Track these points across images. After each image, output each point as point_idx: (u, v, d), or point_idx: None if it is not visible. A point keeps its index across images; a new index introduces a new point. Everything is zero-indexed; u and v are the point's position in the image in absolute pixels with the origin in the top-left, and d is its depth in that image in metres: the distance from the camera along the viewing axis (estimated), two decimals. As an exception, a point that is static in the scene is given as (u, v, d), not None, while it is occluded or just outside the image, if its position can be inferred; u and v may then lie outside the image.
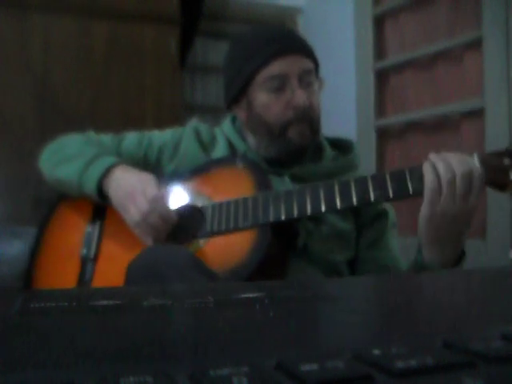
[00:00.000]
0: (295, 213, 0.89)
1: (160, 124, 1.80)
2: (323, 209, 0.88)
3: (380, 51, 2.24)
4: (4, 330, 0.29)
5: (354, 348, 0.22)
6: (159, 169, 1.06)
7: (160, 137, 1.09)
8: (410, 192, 0.83)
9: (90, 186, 1.00)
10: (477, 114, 1.83)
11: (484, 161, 0.83)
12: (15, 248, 1.22)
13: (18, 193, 1.78)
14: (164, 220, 0.94)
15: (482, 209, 1.73)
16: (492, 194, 1.68)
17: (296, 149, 1.00)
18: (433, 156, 0.83)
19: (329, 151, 1.06)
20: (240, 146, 1.05)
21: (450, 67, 1.96)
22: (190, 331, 0.29)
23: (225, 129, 1.09)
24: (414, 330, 0.30)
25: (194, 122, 1.16)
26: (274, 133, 0.99)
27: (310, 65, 1.00)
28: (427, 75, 2.05)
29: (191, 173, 1.03)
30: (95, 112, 1.96)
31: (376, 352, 0.21)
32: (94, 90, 1.96)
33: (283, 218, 0.89)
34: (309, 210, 0.88)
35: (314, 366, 0.20)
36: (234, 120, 1.10)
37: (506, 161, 0.82)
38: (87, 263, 1.02)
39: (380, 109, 2.23)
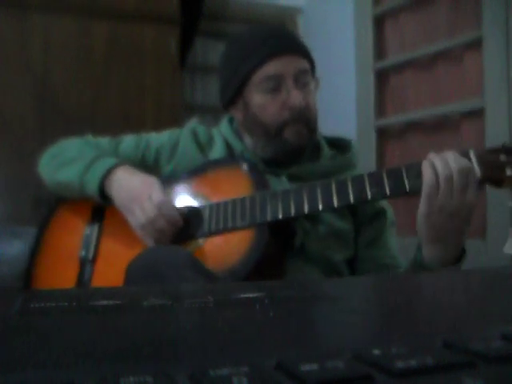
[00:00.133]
0: (292, 211, 0.89)
1: (160, 124, 1.81)
2: (320, 207, 0.88)
3: (380, 51, 2.24)
4: (4, 330, 0.29)
5: (354, 348, 0.22)
6: (157, 170, 1.06)
7: (157, 138, 1.09)
8: (407, 189, 0.83)
9: (91, 187, 1.00)
10: (477, 113, 1.83)
11: (480, 157, 0.83)
12: (15, 248, 1.22)
13: (18, 193, 1.78)
14: (171, 224, 0.95)
15: (482, 209, 1.73)
16: (492, 194, 1.68)
17: (293, 149, 1.00)
18: (431, 155, 0.84)
19: (327, 150, 1.06)
20: (237, 146, 1.05)
21: (450, 67, 1.96)
22: (189, 331, 0.29)
23: (222, 129, 1.09)
24: (414, 329, 0.30)
25: (191, 124, 1.16)
26: (270, 133, 0.99)
27: (305, 65, 1.00)
28: (427, 75, 2.05)
29: (189, 174, 1.03)
30: (95, 112, 1.96)
31: (376, 352, 0.21)
32: (93, 90, 1.97)
33: (280, 216, 0.89)
34: (306, 209, 0.88)
35: (314, 366, 0.20)
36: (231, 120, 1.10)
37: (503, 157, 0.83)
38: (86, 264, 1.02)
39: (380, 109, 2.23)
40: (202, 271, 0.82)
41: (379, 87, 2.23)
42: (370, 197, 0.85)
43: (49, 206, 1.13)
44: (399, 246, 1.05)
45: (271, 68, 0.97)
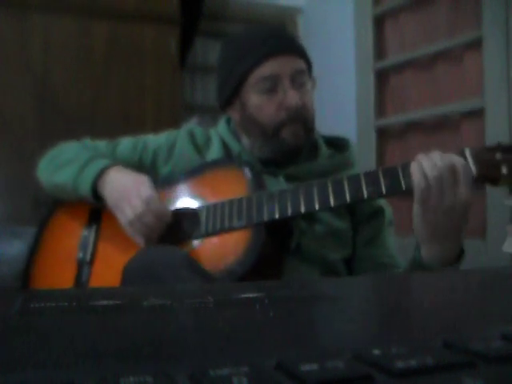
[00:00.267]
0: (289, 211, 0.89)
1: (160, 124, 1.81)
2: (317, 207, 0.88)
3: (380, 51, 2.25)
4: (4, 330, 0.29)
5: (354, 348, 0.22)
6: (154, 172, 1.06)
7: (154, 140, 1.10)
8: (403, 188, 0.84)
9: (84, 188, 1.00)
10: (477, 113, 1.83)
11: (476, 156, 0.83)
12: (15, 248, 1.22)
13: (18, 193, 1.78)
14: (159, 219, 0.95)
15: (482, 209, 1.73)
16: (491, 194, 1.68)
17: (290, 149, 1.00)
18: (419, 156, 0.84)
19: (324, 150, 1.07)
20: (234, 146, 1.05)
21: (450, 67, 1.96)
22: (189, 331, 0.29)
23: (219, 130, 1.10)
24: (414, 329, 0.30)
25: (188, 125, 1.16)
26: (267, 133, 1.00)
27: (302, 65, 1.00)
28: (427, 75, 2.05)
29: (186, 175, 1.04)
30: (95, 112, 1.96)
31: (376, 352, 0.21)
32: (94, 90, 1.97)
33: (277, 216, 0.89)
34: (303, 209, 0.88)
35: (314, 366, 0.20)
36: (228, 121, 1.10)
37: (498, 155, 0.83)
38: (83, 266, 1.03)
39: (380, 109, 2.23)
40: (199, 272, 0.82)
41: (379, 87, 2.23)
42: (366, 196, 0.85)
43: (48, 206, 1.14)
44: (398, 246, 1.05)
45: (267, 68, 0.97)
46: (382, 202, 1.04)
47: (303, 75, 0.99)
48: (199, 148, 1.08)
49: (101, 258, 1.03)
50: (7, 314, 0.33)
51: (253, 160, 1.02)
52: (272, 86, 0.97)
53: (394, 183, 0.84)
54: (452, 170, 0.81)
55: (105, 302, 0.35)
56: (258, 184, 0.95)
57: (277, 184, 0.99)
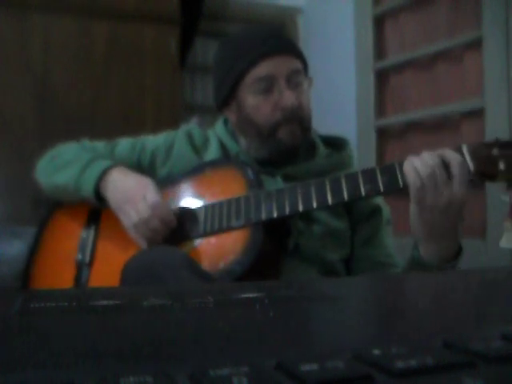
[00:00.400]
0: (287, 210, 0.89)
1: (160, 124, 1.81)
2: (315, 205, 0.88)
3: (380, 51, 2.25)
4: (4, 330, 0.29)
5: (354, 348, 0.22)
6: (153, 173, 1.06)
7: (153, 141, 1.10)
8: (400, 185, 0.84)
9: (87, 189, 1.00)
10: (477, 113, 1.83)
11: (473, 152, 0.83)
12: (15, 248, 1.22)
13: (18, 193, 1.78)
14: (164, 224, 0.95)
15: (482, 209, 1.73)
16: (491, 194, 1.68)
17: (287, 149, 1.00)
18: (410, 157, 0.84)
19: (322, 149, 1.07)
20: (232, 147, 1.06)
21: (450, 67, 1.96)
22: (189, 331, 0.29)
23: (217, 130, 1.10)
24: (414, 329, 0.30)
25: (186, 126, 1.16)
26: (263, 134, 1.00)
27: (298, 65, 1.00)
28: (427, 75, 2.05)
29: (185, 175, 1.04)
30: (95, 112, 1.96)
31: (376, 352, 0.21)
32: (94, 90, 1.97)
33: (275, 215, 0.89)
34: (300, 207, 0.88)
35: (314, 366, 0.20)
36: (226, 121, 1.10)
37: (495, 151, 0.83)
38: (83, 268, 1.03)
39: (380, 109, 2.23)
40: (198, 272, 0.82)
41: (379, 87, 2.23)
42: (363, 193, 0.86)
43: (48, 206, 1.14)
44: (397, 246, 1.05)
45: (263, 69, 0.97)
46: (380, 202, 1.04)
47: (299, 75, 0.99)
48: (197, 148, 1.08)
49: (100, 258, 1.03)
50: (7, 313, 0.33)
51: (250, 160, 1.02)
52: (268, 86, 0.97)
53: (392, 180, 0.84)
54: (445, 166, 0.81)
55: (105, 302, 0.35)
56: (256, 184, 0.95)
57: (274, 184, 0.99)
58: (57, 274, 1.06)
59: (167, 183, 1.04)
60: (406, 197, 0.85)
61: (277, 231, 0.94)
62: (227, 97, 1.03)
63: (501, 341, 0.23)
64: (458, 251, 0.87)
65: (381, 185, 0.85)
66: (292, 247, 0.96)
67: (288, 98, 0.97)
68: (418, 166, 0.82)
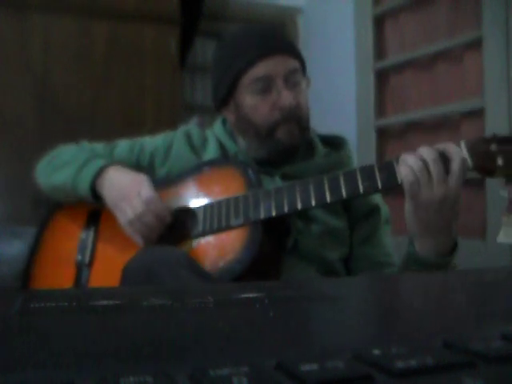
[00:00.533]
0: (285, 208, 0.89)
1: (160, 124, 1.81)
2: (313, 203, 0.88)
3: (380, 51, 2.25)
4: (4, 330, 0.29)
5: (354, 348, 0.22)
6: (152, 173, 1.07)
7: (151, 142, 1.10)
8: (399, 182, 0.84)
9: (83, 187, 1.01)
10: (477, 113, 1.83)
11: (471, 147, 0.83)
12: (15, 248, 1.22)
13: (18, 193, 1.78)
14: (159, 219, 0.95)
15: (482, 209, 1.73)
16: (492, 194, 1.68)
17: (285, 148, 1.00)
18: (404, 154, 0.84)
19: (320, 148, 1.07)
20: (231, 147, 1.06)
21: (450, 67, 1.96)
22: (189, 331, 0.29)
23: (216, 130, 1.10)
24: (414, 329, 0.30)
25: (185, 126, 1.16)
26: (261, 134, 1.00)
27: (295, 64, 1.00)
28: (427, 75, 2.05)
29: (183, 175, 1.04)
30: (95, 112, 1.96)
31: (376, 352, 0.21)
32: (94, 90, 1.97)
33: (274, 214, 0.89)
34: (299, 205, 0.89)
35: (314, 366, 0.20)
36: (224, 122, 1.10)
37: (493, 147, 0.83)
38: (82, 268, 1.03)
39: (380, 109, 2.23)
40: (198, 271, 0.82)
41: (379, 87, 2.23)
42: (362, 191, 0.86)
43: (48, 206, 1.14)
44: (395, 245, 1.05)
45: (260, 69, 0.97)
46: (379, 201, 1.04)
47: (297, 75, 1.00)
48: (196, 149, 1.08)
49: (100, 259, 1.04)
50: (7, 313, 0.33)
51: (249, 160, 1.02)
52: (265, 86, 0.97)
53: (390, 177, 0.84)
54: (443, 160, 0.81)
55: (105, 302, 0.35)
56: (254, 183, 0.96)
57: (273, 184, 0.99)
58: (57, 275, 1.06)
59: (166, 183, 1.04)
60: (404, 195, 0.85)
61: (276, 230, 0.95)
62: (225, 97, 1.03)
63: (501, 341, 0.23)
64: (454, 247, 0.87)
65: (379, 182, 0.85)
66: (291, 246, 0.96)
67: (286, 97, 0.97)
68: (412, 160, 0.82)
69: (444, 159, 0.81)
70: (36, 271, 1.07)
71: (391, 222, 1.07)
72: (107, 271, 1.00)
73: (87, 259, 1.04)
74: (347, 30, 2.32)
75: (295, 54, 1.01)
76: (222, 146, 1.07)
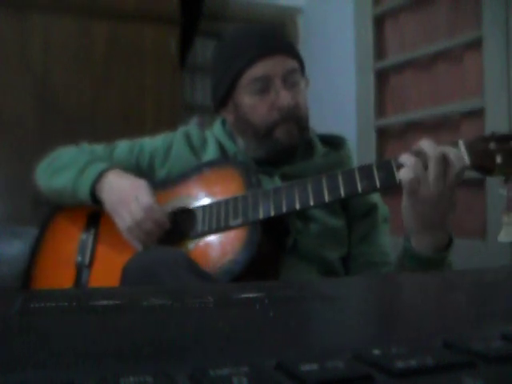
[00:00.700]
0: (284, 208, 0.89)
1: (160, 124, 1.81)
2: (312, 203, 0.88)
3: (380, 51, 2.25)
4: (4, 330, 0.29)
5: (354, 348, 0.22)
6: (151, 175, 1.07)
7: (151, 143, 1.10)
8: (397, 181, 0.84)
9: (83, 191, 1.01)
10: (477, 114, 1.83)
11: (470, 146, 0.83)
12: (15, 248, 1.22)
13: (18, 193, 1.78)
14: (158, 226, 0.96)
15: (482, 209, 1.73)
16: (492, 195, 1.68)
17: (284, 148, 1.00)
18: (403, 155, 0.84)
19: (320, 148, 1.07)
20: (230, 147, 1.06)
21: (450, 67, 1.96)
22: (189, 331, 0.29)
23: (215, 131, 1.10)
24: (414, 329, 0.30)
25: (184, 127, 1.16)
26: (260, 134, 1.00)
27: (294, 64, 1.00)
28: (427, 75, 2.05)
29: (183, 176, 1.04)
30: (95, 112, 1.96)
31: (376, 352, 0.21)
32: (94, 90, 1.97)
33: (272, 214, 0.90)
34: (297, 205, 0.89)
35: (314, 366, 0.20)
36: (224, 122, 1.10)
37: (492, 145, 0.83)
38: (82, 270, 1.03)
39: (380, 109, 2.23)
40: (197, 271, 0.82)
41: (379, 87, 2.23)
42: (360, 190, 0.86)
43: (49, 206, 1.14)
44: (393, 244, 1.05)
45: (259, 69, 0.97)
46: (377, 200, 1.04)
47: (295, 75, 1.00)
48: (195, 149, 1.08)
49: (99, 261, 1.04)
50: (7, 313, 0.33)
51: (248, 160, 1.02)
52: (264, 86, 0.98)
53: (388, 176, 0.84)
54: (441, 159, 0.81)
55: (105, 302, 0.35)
56: (253, 183, 0.96)
57: (272, 184, 0.99)
58: (57, 275, 1.06)
59: (166, 184, 1.05)
60: (402, 195, 0.85)
61: (275, 230, 0.95)
62: (224, 97, 1.03)
63: (501, 341, 0.23)
64: (449, 243, 0.87)
65: (377, 181, 0.85)
66: (290, 246, 0.96)
67: (284, 97, 0.97)
68: (411, 159, 0.82)
69: (443, 158, 0.81)
70: (36, 272, 1.07)
71: (390, 221, 1.07)
72: (107, 272, 1.00)
73: (87, 260, 1.04)
74: (347, 30, 2.32)
75: (294, 54, 1.01)
76: (221, 147, 1.07)
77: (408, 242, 0.87)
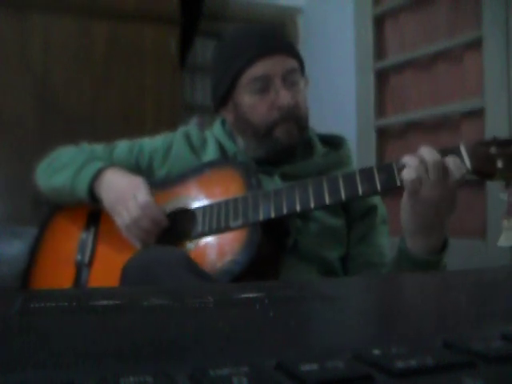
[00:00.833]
0: (284, 210, 0.89)
1: (160, 124, 1.81)
2: (312, 205, 0.88)
3: (380, 51, 2.25)
4: (4, 330, 0.29)
5: (354, 348, 0.22)
6: (151, 175, 1.07)
7: (150, 143, 1.10)
8: (398, 184, 0.84)
9: (81, 189, 1.01)
10: (477, 113, 1.83)
11: (471, 150, 0.83)
12: (15, 248, 1.22)
13: (18, 193, 1.78)
14: (155, 224, 0.96)
15: (482, 209, 1.73)
16: (492, 195, 1.68)
17: (284, 148, 1.00)
18: (406, 156, 0.84)
19: (319, 148, 1.07)
20: (230, 147, 1.06)
21: (450, 67, 1.96)
22: (189, 331, 0.29)
23: (215, 131, 1.10)
24: (414, 329, 0.30)
25: (184, 127, 1.17)
26: (260, 133, 1.00)
27: (293, 64, 1.00)
28: (427, 75, 2.05)
29: (182, 176, 1.04)
30: (95, 112, 1.96)
31: (376, 352, 0.21)
32: (94, 90, 1.97)
33: (273, 216, 0.90)
34: (298, 207, 0.89)
35: (314, 366, 0.20)
36: (223, 122, 1.11)
37: (493, 149, 0.83)
38: (82, 269, 1.03)
39: (380, 109, 2.23)
40: (197, 271, 0.82)
41: (379, 87, 2.23)
42: (361, 193, 0.85)
43: (48, 206, 1.14)
44: (391, 245, 1.05)
45: (259, 69, 0.97)
46: (377, 200, 1.04)
47: (295, 74, 1.00)
48: (195, 149, 1.08)
49: (99, 259, 1.04)
50: (7, 313, 0.33)
51: (248, 160, 1.02)
52: (264, 86, 0.98)
53: (389, 180, 0.84)
54: (440, 167, 0.81)
55: (105, 302, 0.35)
56: (254, 184, 0.96)
57: (272, 183, 0.99)
58: (56, 275, 1.06)
59: (166, 184, 1.05)
60: (400, 191, 0.85)
61: (275, 231, 0.95)
62: (224, 97, 1.03)
63: (501, 341, 0.23)
64: (444, 245, 0.87)
65: (378, 184, 0.85)
66: (291, 246, 0.96)
67: (284, 97, 0.97)
68: (414, 160, 0.82)
69: (442, 166, 0.81)
70: (36, 271, 1.07)
71: (388, 222, 1.07)
72: (107, 271, 1.00)
73: (87, 259, 1.04)
74: (347, 30, 2.32)
75: (293, 53, 1.01)
76: (221, 147, 1.07)
77: (403, 244, 0.87)
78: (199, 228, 0.96)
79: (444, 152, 0.83)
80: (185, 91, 2.59)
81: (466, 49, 1.90)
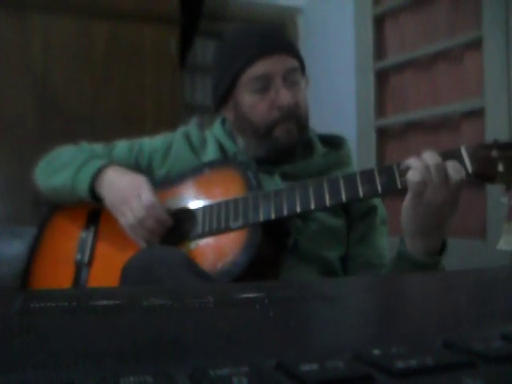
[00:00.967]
0: (285, 211, 0.89)
1: (160, 124, 1.81)
2: (313, 206, 0.88)
3: (380, 51, 2.25)
4: (4, 330, 0.29)
5: (354, 348, 0.22)
6: (150, 174, 1.07)
7: (150, 143, 1.10)
8: (399, 186, 0.83)
9: (82, 187, 1.01)
10: (477, 113, 1.83)
11: (472, 153, 0.83)
12: (15, 248, 1.22)
13: (18, 193, 1.78)
14: (160, 224, 0.96)
15: (482, 209, 1.73)
16: (492, 195, 1.68)
17: (284, 147, 1.01)
18: (409, 158, 0.84)
19: (319, 147, 1.07)
20: (230, 147, 1.06)
21: (450, 67, 1.96)
22: (189, 331, 0.29)
23: (215, 131, 1.10)
24: (413, 330, 0.30)
25: (184, 127, 1.17)
26: (260, 133, 1.00)
27: (294, 63, 1.00)
28: (427, 75, 2.05)
29: (183, 176, 1.04)
30: (95, 112, 1.96)
31: (376, 352, 0.21)
32: (94, 90, 1.97)
33: (273, 216, 0.90)
34: (298, 208, 0.89)
35: (314, 366, 0.20)
36: (223, 122, 1.11)
37: (494, 153, 0.82)
38: (82, 268, 1.03)
39: (380, 109, 2.23)
40: (197, 272, 0.82)
41: (379, 87, 2.23)
42: (361, 195, 0.85)
43: (48, 206, 1.14)
44: (391, 246, 1.05)
45: (259, 68, 0.97)
46: (376, 201, 1.04)
47: (295, 74, 1.00)
48: (195, 149, 1.08)
49: (99, 259, 1.04)
50: (7, 313, 0.33)
51: (248, 160, 1.02)
52: (264, 85, 0.98)
53: (390, 182, 0.84)
54: (440, 169, 0.81)
55: (105, 302, 0.35)
56: (254, 184, 0.96)
57: (272, 183, 0.99)
58: (56, 274, 1.06)
59: (166, 184, 1.05)
60: (402, 198, 0.85)
61: (275, 231, 0.95)
62: (224, 96, 1.03)
63: (501, 341, 0.23)
64: (443, 247, 0.87)
65: (379, 186, 0.85)
66: (291, 246, 0.96)
67: (284, 96, 0.97)
68: (417, 162, 0.82)
69: (442, 168, 0.81)
70: (36, 271, 1.07)
71: (388, 222, 1.07)
72: (106, 270, 1.00)
73: (86, 258, 1.04)
74: (347, 30, 2.32)
75: (294, 53, 1.01)
76: (221, 147, 1.07)
77: (403, 245, 0.87)
78: (199, 228, 0.96)
79: (445, 155, 0.83)
80: (185, 91, 2.59)
81: (465, 49, 1.90)
